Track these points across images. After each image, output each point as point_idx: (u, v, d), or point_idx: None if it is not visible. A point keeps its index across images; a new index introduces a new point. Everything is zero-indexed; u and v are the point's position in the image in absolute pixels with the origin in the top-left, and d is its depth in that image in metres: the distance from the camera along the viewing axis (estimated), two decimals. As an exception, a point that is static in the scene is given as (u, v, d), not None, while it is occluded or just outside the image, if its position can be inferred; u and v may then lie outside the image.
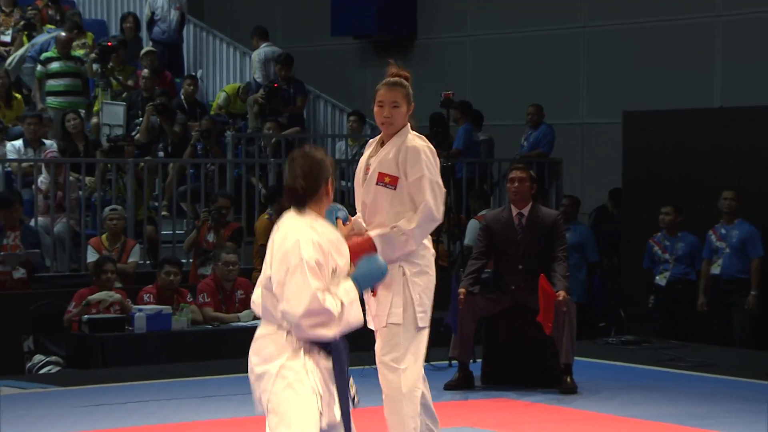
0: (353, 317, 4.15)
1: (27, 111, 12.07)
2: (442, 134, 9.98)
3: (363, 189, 5.19)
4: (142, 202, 10.86)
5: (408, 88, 5.18)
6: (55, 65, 12.29)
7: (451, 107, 9.22)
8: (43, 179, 10.47)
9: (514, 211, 7.75)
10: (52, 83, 12.26)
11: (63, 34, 12.48)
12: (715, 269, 9.95)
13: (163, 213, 11.26)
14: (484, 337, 8.00)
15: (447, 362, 8.24)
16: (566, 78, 12.97)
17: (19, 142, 11.01)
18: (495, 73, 13.55)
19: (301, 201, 4.20)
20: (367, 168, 5.21)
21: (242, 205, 11.23)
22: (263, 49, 13.69)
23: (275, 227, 4.26)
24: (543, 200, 10.79)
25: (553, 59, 13.08)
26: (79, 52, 13.25)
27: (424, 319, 5.15)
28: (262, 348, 4.16)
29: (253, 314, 9.38)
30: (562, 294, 7.47)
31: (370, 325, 5.22)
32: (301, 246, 4.08)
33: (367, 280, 4.26)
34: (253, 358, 4.18)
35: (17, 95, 12.19)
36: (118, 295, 9.06)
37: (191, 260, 10.57)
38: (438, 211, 5.10)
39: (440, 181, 5.14)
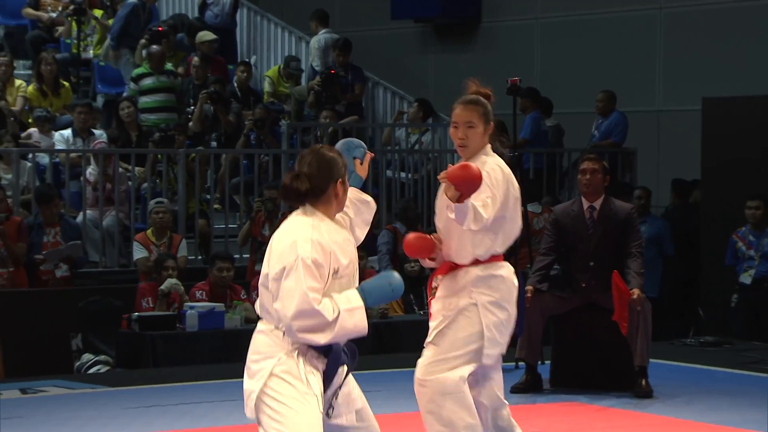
0: (351, 326, 4.12)
1: (76, 99, 12.21)
2: (505, 132, 9.86)
3: (437, 214, 5.03)
4: (193, 195, 10.94)
5: (486, 106, 4.97)
6: (148, 81, 12.13)
7: (518, 94, 9.17)
8: (91, 170, 10.60)
9: (585, 204, 7.69)
10: (145, 100, 12.06)
11: (155, 47, 12.34)
12: (805, 266, 9.81)
13: (216, 206, 11.34)
14: (553, 337, 7.96)
15: (514, 364, 8.22)
16: (641, 62, 12.84)
17: (67, 132, 11.15)
18: (565, 58, 13.46)
19: (300, 200, 4.18)
20: None
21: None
22: (322, 36, 13.71)
23: (280, 226, 4.28)
24: (628, 194, 10.65)
25: (627, 42, 12.95)
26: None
27: (492, 357, 4.93)
28: (259, 345, 4.19)
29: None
30: (636, 292, 7.41)
31: None
32: (298, 244, 4.09)
33: (375, 296, 4.20)
34: (250, 354, 4.20)
35: (65, 83, 12.34)
36: (181, 287, 9.23)
37: (246, 255, 10.64)
38: (486, 215, 4.76)
39: (497, 200, 4.83)
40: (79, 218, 10.40)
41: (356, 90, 13.30)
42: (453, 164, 4.98)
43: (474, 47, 14.30)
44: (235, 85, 13.05)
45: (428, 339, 4.95)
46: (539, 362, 7.79)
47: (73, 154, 10.85)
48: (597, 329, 7.64)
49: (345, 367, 4.24)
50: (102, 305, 9.39)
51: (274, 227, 10.42)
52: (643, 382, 7.55)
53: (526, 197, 11.16)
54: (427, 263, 5.06)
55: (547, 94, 12.52)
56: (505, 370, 8.13)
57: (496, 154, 4.99)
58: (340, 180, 4.21)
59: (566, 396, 7.58)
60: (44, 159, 10.92)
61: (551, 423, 6.87)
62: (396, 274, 4.27)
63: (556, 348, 7.95)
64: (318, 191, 4.18)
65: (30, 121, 11.64)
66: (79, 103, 11.50)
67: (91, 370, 9.03)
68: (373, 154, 4.58)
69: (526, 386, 7.70)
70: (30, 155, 10.59)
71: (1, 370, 8.88)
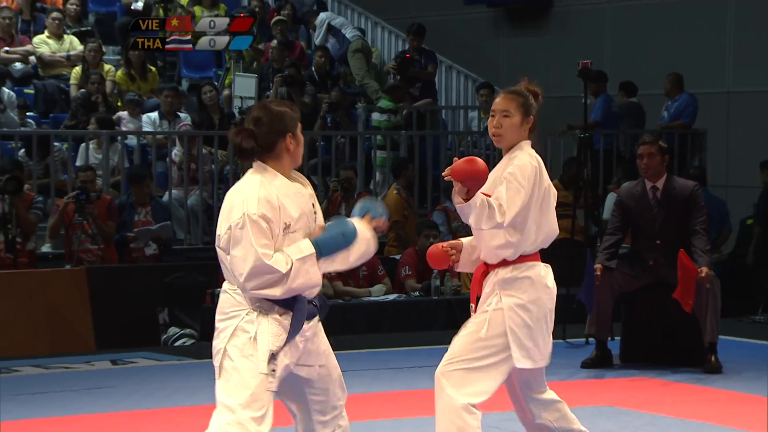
0: (303, 278, 3.96)
1: (162, 83, 12.38)
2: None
3: None
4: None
5: (527, 98, 4.57)
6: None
7: (588, 77, 9.12)
8: (176, 151, 10.76)
9: (648, 184, 7.66)
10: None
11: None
12: None
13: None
14: (623, 314, 7.94)
15: (584, 339, 8.21)
16: (711, 43, 12.67)
17: (154, 114, 11.33)
18: (635, 41, 13.32)
19: (248, 157, 4.01)
20: None
21: (373, 179, 11.33)
22: (323, 14, 13.88)
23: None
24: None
25: (698, 24, 12.78)
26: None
27: (521, 361, 4.48)
28: (222, 304, 4.08)
29: (385, 289, 9.47)
30: (704, 270, 7.36)
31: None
32: (245, 202, 3.97)
33: (329, 246, 4.01)
34: (216, 314, 4.11)
35: (152, 68, 12.51)
36: None
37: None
38: (499, 214, 4.39)
39: (519, 198, 4.44)
40: (165, 197, 10.57)
41: (429, 68, 13.23)
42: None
43: (546, 31, 14.22)
44: (313, 69, 13.12)
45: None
46: (609, 338, 7.78)
47: (159, 136, 11.02)
48: (666, 306, 7.60)
49: (316, 319, 4.11)
50: (187, 281, 9.54)
51: (350, 207, 10.50)
52: (713, 358, 7.50)
53: (628, 176, 11.07)
54: (457, 269, 4.79)
55: (618, 77, 12.39)
56: (575, 346, 8.19)
57: (533, 150, 4.59)
58: (290, 134, 4.03)
59: (635, 371, 7.56)
60: (133, 141, 11.11)
61: (621, 397, 6.86)
62: (350, 223, 4.06)
63: (626, 324, 7.93)
64: (266, 147, 4.02)
65: (119, 104, 11.84)
66: (166, 87, 11.67)
67: (177, 343, 9.19)
68: (386, 223, 4.19)
69: (596, 361, 7.69)
70: (119, 137, 10.78)
71: (92, 343, 9.08)
